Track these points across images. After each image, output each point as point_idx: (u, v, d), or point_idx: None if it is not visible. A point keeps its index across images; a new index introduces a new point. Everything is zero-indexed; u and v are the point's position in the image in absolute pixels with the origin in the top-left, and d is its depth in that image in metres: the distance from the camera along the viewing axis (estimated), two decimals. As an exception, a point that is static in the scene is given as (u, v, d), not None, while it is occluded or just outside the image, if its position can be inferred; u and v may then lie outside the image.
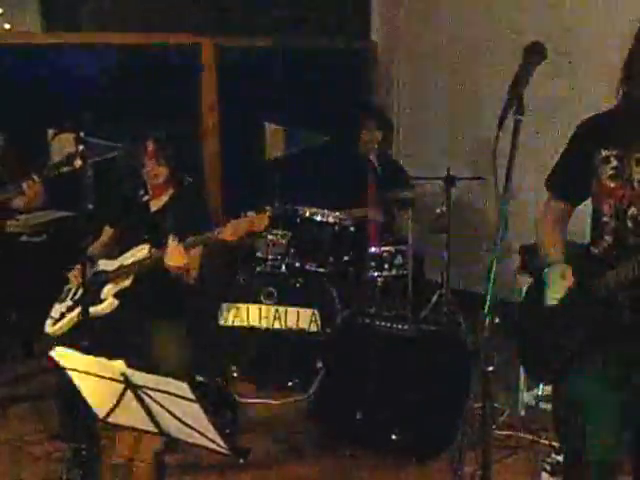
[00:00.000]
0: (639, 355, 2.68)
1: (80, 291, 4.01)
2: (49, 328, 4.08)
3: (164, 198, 4.21)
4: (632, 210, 2.69)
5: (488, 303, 2.34)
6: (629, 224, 2.70)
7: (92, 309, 3.88)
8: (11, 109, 5.87)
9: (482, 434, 2.50)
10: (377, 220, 5.73)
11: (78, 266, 4.08)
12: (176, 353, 3.93)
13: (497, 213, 2.35)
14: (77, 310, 3.96)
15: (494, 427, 4.33)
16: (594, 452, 2.72)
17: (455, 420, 4.23)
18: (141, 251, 4.00)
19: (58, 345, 2.69)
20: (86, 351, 2.72)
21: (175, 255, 3.79)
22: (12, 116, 5.82)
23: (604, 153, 2.73)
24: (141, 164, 4.10)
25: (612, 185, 2.71)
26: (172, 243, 3.81)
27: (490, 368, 2.37)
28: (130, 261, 4.00)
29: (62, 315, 4.06)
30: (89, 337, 3.70)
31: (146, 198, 4.23)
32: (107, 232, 4.37)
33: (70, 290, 4.16)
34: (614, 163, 2.71)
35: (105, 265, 4.13)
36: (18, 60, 6.00)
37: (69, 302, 4.10)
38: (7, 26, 6.51)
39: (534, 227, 3.07)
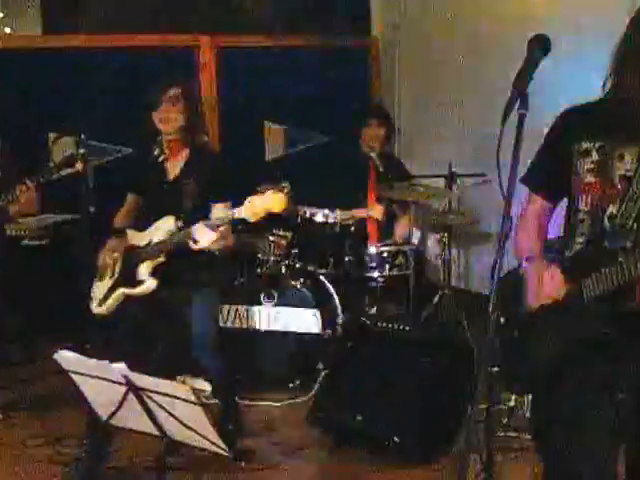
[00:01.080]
0: (621, 371, 2.49)
1: (117, 269, 4.02)
2: (96, 309, 4.06)
3: (180, 161, 4.09)
4: (611, 209, 2.51)
5: (492, 303, 2.32)
6: (606, 224, 2.52)
7: (133, 291, 3.91)
8: (12, 113, 5.87)
9: (486, 435, 2.49)
10: (377, 218, 5.74)
11: (110, 242, 4.06)
12: (212, 320, 4.17)
13: (501, 211, 2.33)
14: (120, 290, 3.96)
15: (498, 428, 4.31)
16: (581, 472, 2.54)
17: (458, 421, 4.22)
18: (167, 222, 3.93)
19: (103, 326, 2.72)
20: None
21: (203, 236, 3.73)
22: (13, 120, 5.82)
23: (584, 145, 2.56)
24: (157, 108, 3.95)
25: (591, 180, 2.54)
26: (197, 227, 3.74)
27: (494, 369, 2.36)
28: (159, 238, 3.92)
29: (106, 296, 4.02)
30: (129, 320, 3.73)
31: (162, 158, 4.10)
32: (130, 200, 4.28)
33: (107, 267, 4.09)
34: (595, 157, 2.54)
35: (134, 238, 4.06)
36: (19, 64, 5.99)
37: (109, 281, 4.05)
38: (8, 30, 6.51)
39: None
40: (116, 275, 4.01)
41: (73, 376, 2.70)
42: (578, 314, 2.53)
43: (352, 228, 5.58)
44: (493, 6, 6.35)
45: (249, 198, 3.66)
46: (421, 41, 7.13)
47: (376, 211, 5.76)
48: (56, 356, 2.69)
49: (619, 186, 2.50)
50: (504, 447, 4.19)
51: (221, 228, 3.77)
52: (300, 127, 7.09)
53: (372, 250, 5.54)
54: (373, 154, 5.92)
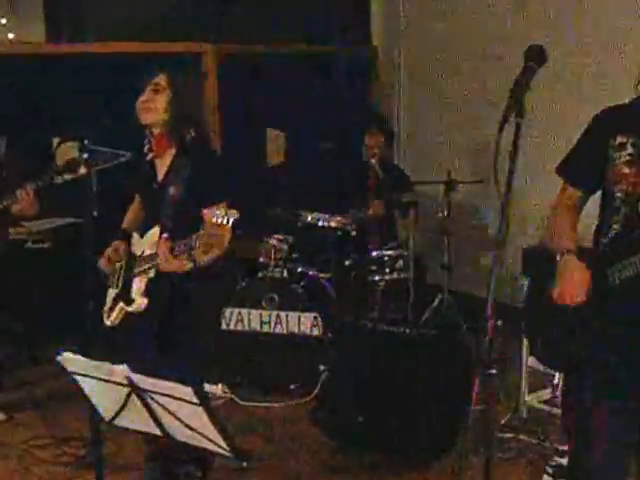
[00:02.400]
0: None
1: (120, 278, 3.76)
2: (106, 321, 3.81)
3: (167, 160, 3.71)
4: None
5: (490, 306, 2.36)
6: None
7: (127, 309, 3.68)
8: (16, 118, 5.90)
9: (484, 437, 2.52)
10: (379, 215, 5.76)
11: (114, 245, 3.81)
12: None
13: (498, 216, 2.37)
14: (121, 304, 3.71)
15: (496, 430, 4.34)
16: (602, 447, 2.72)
17: (457, 423, 4.25)
18: (154, 233, 3.64)
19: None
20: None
21: (164, 262, 3.44)
22: (17, 125, 5.85)
23: (620, 139, 2.71)
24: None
25: (626, 171, 2.69)
26: (161, 247, 3.43)
27: (492, 371, 2.39)
28: (149, 251, 3.64)
29: (111, 307, 3.79)
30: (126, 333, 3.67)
31: (150, 156, 3.73)
32: (137, 199, 4.01)
33: (114, 274, 3.84)
34: (630, 149, 2.69)
35: (136, 245, 3.79)
36: (22, 70, 6.02)
37: (113, 291, 3.82)
38: (11, 36, 6.54)
39: (547, 218, 3.00)
40: (119, 285, 3.78)
41: (76, 377, 2.72)
42: (607, 296, 2.66)
43: (353, 232, 5.61)
44: (492, 14, 6.38)
45: (200, 234, 3.22)
46: (421, 48, 7.16)
47: (376, 207, 5.79)
48: (59, 358, 2.70)
49: None
50: (503, 448, 4.23)
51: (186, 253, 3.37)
52: (301, 133, 7.12)
53: (373, 254, 5.57)
54: (373, 161, 5.96)
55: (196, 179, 3.59)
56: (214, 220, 3.13)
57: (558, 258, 2.79)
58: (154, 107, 3.61)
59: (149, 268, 3.61)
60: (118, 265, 3.81)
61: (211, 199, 3.51)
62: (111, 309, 3.79)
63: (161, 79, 3.64)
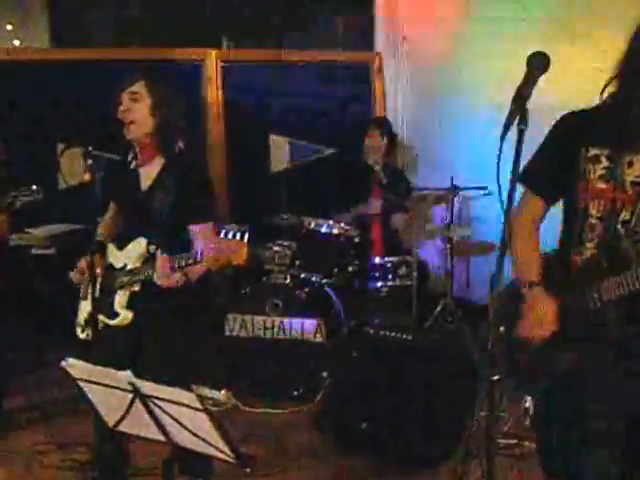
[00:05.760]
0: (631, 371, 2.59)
1: (97, 291, 3.57)
2: (80, 334, 3.76)
3: (154, 170, 3.57)
4: (624, 214, 2.58)
5: (492, 313, 2.36)
6: (619, 229, 2.58)
7: (110, 322, 3.58)
8: (21, 124, 5.92)
9: (486, 443, 2.52)
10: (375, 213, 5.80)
11: (82, 262, 3.68)
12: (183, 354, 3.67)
13: (501, 222, 2.38)
14: (100, 317, 3.58)
15: (498, 436, 4.34)
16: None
17: (459, 429, 4.25)
18: (140, 245, 3.53)
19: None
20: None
21: (164, 277, 3.34)
22: (22, 130, 5.87)
23: (593, 151, 2.61)
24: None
25: (602, 186, 2.59)
26: (160, 262, 3.34)
27: (494, 377, 2.39)
28: (133, 264, 3.55)
29: (87, 321, 3.66)
30: (107, 345, 3.63)
31: (134, 165, 3.61)
32: (112, 207, 3.86)
33: (88, 287, 3.64)
34: (605, 163, 2.59)
35: (114, 257, 3.66)
36: (27, 76, 6.04)
37: (89, 305, 3.64)
38: (16, 42, 6.56)
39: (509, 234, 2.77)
40: (94, 298, 3.55)
41: (81, 383, 2.73)
42: (587, 317, 2.60)
43: (356, 239, 5.62)
44: (495, 20, 6.39)
45: (212, 244, 3.15)
46: (423, 55, 7.17)
47: (373, 207, 5.83)
48: (64, 364, 2.71)
49: (630, 192, 2.56)
50: (505, 454, 4.23)
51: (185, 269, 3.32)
52: (304, 139, 7.13)
53: (375, 260, 5.58)
54: (377, 167, 5.98)
55: (184, 193, 3.47)
56: (222, 235, 3.10)
57: (523, 291, 2.71)
58: (135, 118, 3.45)
59: (135, 282, 3.52)
60: (90, 278, 3.60)
61: (198, 216, 3.46)
62: (87, 323, 3.67)
63: (139, 86, 3.46)
